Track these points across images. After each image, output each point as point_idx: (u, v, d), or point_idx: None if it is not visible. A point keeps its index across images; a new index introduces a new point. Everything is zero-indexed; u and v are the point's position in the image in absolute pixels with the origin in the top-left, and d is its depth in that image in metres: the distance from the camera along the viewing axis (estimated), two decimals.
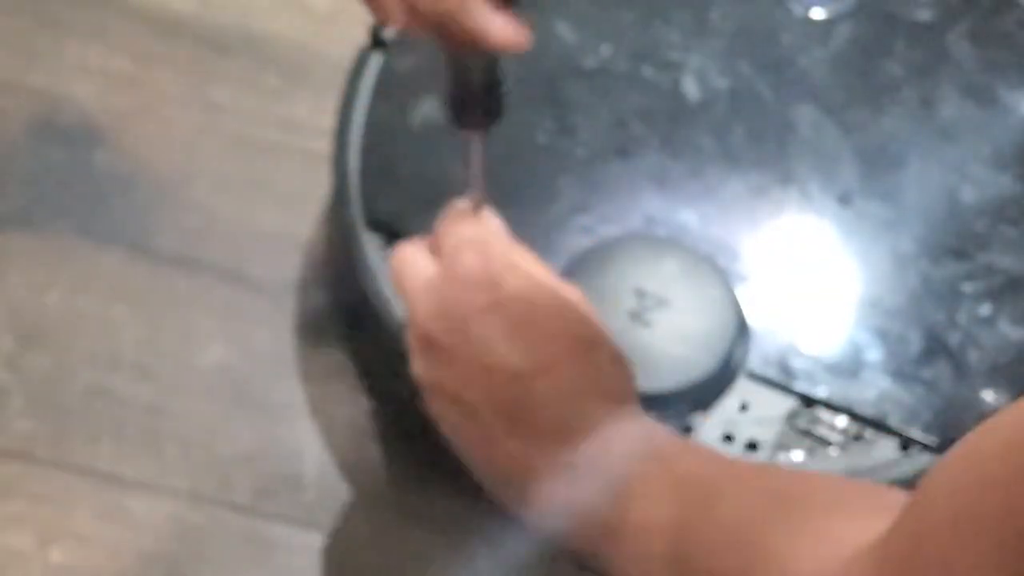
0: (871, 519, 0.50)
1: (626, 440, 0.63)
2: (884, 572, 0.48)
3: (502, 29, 0.61)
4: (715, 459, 0.64)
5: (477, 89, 0.64)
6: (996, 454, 0.41)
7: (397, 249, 0.68)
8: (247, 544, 0.78)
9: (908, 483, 0.73)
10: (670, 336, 0.74)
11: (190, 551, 0.78)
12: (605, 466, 0.63)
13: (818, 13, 0.86)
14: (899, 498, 0.54)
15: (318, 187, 0.86)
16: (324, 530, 0.79)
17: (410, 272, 0.67)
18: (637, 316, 0.75)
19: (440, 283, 0.65)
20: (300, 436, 0.82)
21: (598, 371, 0.64)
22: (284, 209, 0.88)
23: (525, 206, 0.79)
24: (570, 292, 0.67)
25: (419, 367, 0.65)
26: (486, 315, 0.63)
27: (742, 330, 0.76)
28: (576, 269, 0.76)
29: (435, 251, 0.67)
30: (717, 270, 0.77)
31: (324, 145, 0.83)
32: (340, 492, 0.80)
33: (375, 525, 0.79)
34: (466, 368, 0.63)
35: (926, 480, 0.47)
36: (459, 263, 0.65)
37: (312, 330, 0.85)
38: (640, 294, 0.75)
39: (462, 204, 0.69)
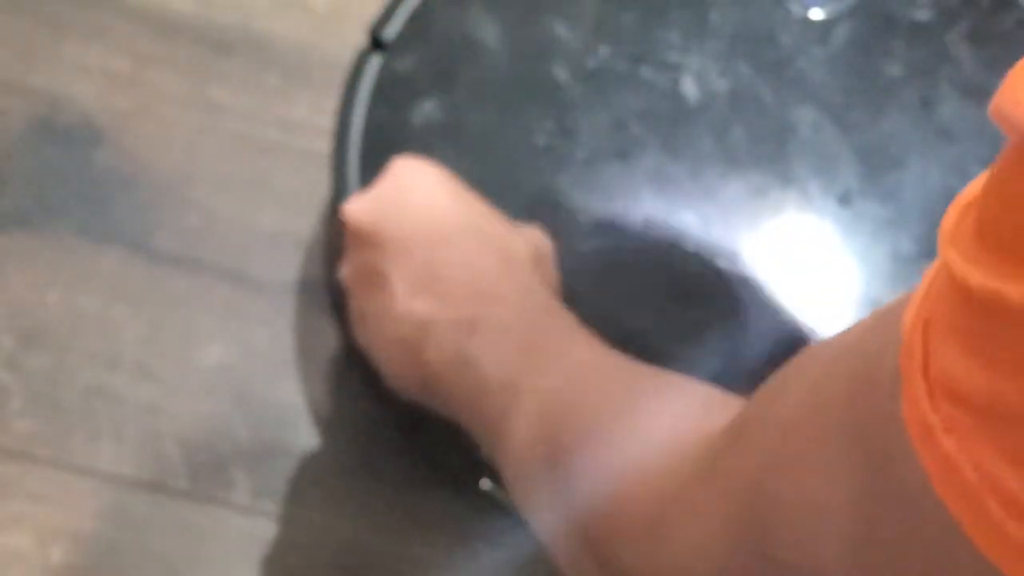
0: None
1: (516, 304, 0.69)
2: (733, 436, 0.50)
3: None
4: (595, 349, 0.67)
5: None
6: (844, 342, 0.44)
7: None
8: (247, 544, 0.78)
9: None
10: (673, 335, 0.74)
11: (190, 551, 0.78)
12: (496, 323, 0.68)
13: (817, 13, 0.86)
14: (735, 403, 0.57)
15: (318, 187, 0.86)
16: (324, 530, 0.79)
17: (355, 200, 0.74)
18: (640, 316, 0.75)
19: (373, 190, 0.73)
20: (300, 436, 0.82)
21: (495, 240, 0.72)
22: (284, 209, 0.88)
23: (525, 207, 0.79)
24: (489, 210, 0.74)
25: (347, 268, 0.73)
26: (404, 195, 0.72)
27: (743, 328, 0.76)
28: (577, 272, 0.76)
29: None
30: (718, 270, 0.77)
31: (324, 145, 0.83)
32: (340, 492, 0.80)
33: (375, 525, 0.79)
34: (382, 241, 0.71)
35: (779, 371, 0.49)
36: (391, 174, 0.73)
37: (312, 330, 0.85)
38: (642, 294, 0.75)
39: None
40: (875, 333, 0.41)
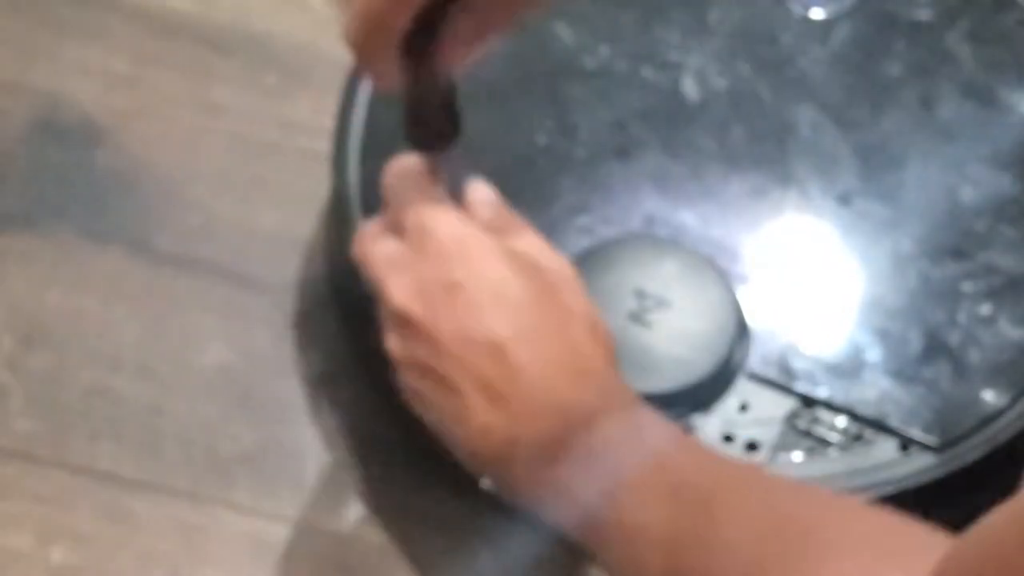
0: (895, 566, 0.48)
1: (614, 425, 0.63)
2: None
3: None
4: (713, 462, 0.62)
5: (435, 114, 0.65)
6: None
7: (359, 232, 0.68)
8: (247, 544, 0.78)
9: (907, 483, 0.73)
10: (670, 336, 0.74)
11: (190, 551, 0.78)
12: (590, 449, 0.62)
13: (818, 13, 0.86)
14: (927, 540, 0.52)
15: (318, 187, 0.86)
16: (324, 530, 0.79)
17: (377, 253, 0.66)
18: (637, 317, 0.75)
19: (411, 260, 0.65)
20: (300, 436, 0.82)
21: (575, 344, 0.64)
22: (284, 209, 0.88)
23: (525, 207, 0.79)
24: (550, 259, 0.66)
25: (395, 345, 0.65)
26: (460, 288, 0.63)
27: (742, 330, 0.76)
28: (577, 269, 0.76)
29: (396, 229, 0.67)
30: (717, 271, 0.77)
31: (324, 145, 0.83)
32: (340, 492, 0.80)
33: (375, 525, 0.79)
34: (442, 342, 0.63)
35: (976, 531, 0.44)
36: (428, 239, 0.65)
37: (312, 330, 0.85)
38: (640, 295, 0.75)
39: (408, 162, 0.68)
40: None
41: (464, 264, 0.64)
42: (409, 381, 0.65)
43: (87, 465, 0.80)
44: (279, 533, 0.79)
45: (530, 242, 0.67)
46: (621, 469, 0.61)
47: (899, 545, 0.54)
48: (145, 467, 0.80)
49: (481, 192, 0.69)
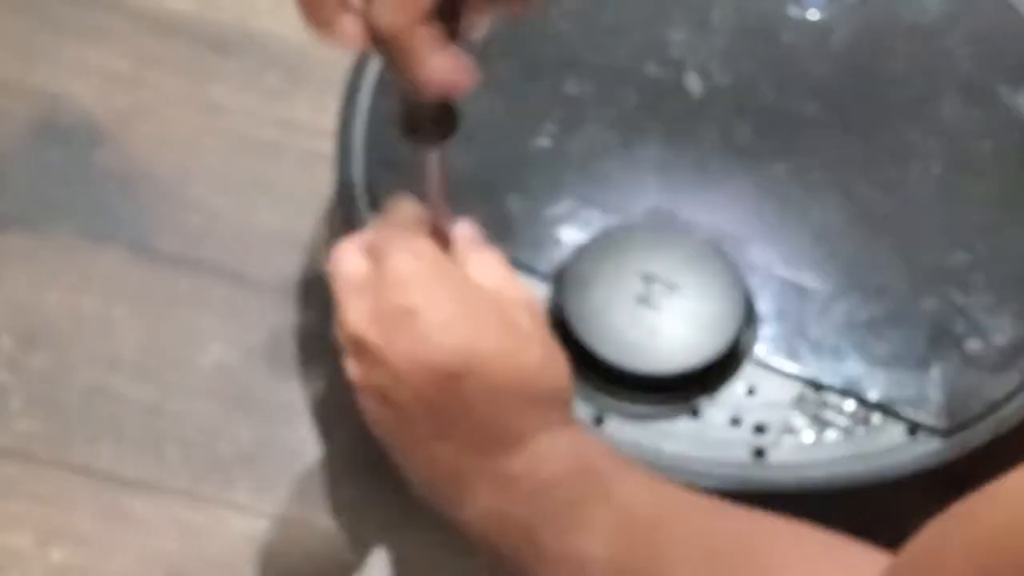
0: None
1: (558, 454, 0.63)
2: None
3: (441, 70, 0.60)
4: (657, 491, 0.63)
5: (428, 109, 0.64)
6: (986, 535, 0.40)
7: (338, 245, 0.68)
8: (247, 544, 0.78)
9: (914, 467, 0.73)
10: (678, 319, 0.75)
11: (190, 551, 0.78)
12: (537, 480, 0.62)
13: (817, 13, 0.86)
14: (866, 559, 0.53)
15: (318, 187, 0.86)
16: (324, 530, 0.79)
17: (344, 272, 0.66)
18: (645, 300, 0.75)
19: (371, 284, 0.65)
20: (300, 436, 0.82)
21: (527, 373, 0.64)
22: (284, 209, 0.88)
23: (530, 200, 0.80)
24: (511, 287, 0.66)
25: (351, 368, 0.65)
26: (415, 316, 0.63)
27: (749, 314, 0.76)
28: (584, 255, 0.76)
29: (372, 252, 0.67)
30: (724, 256, 0.77)
31: (324, 145, 0.83)
32: (340, 492, 0.80)
33: (376, 525, 0.79)
34: (395, 368, 0.63)
35: (910, 548, 0.45)
36: (390, 266, 0.64)
37: (312, 330, 0.85)
38: (648, 279, 0.76)
39: (404, 205, 0.68)
40: None
41: (421, 291, 0.63)
42: (367, 405, 0.65)
43: (87, 465, 0.80)
44: (279, 533, 0.79)
45: (492, 270, 0.67)
46: (567, 501, 0.62)
47: (840, 564, 0.55)
48: (145, 467, 0.80)
49: (464, 229, 0.70)
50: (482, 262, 0.67)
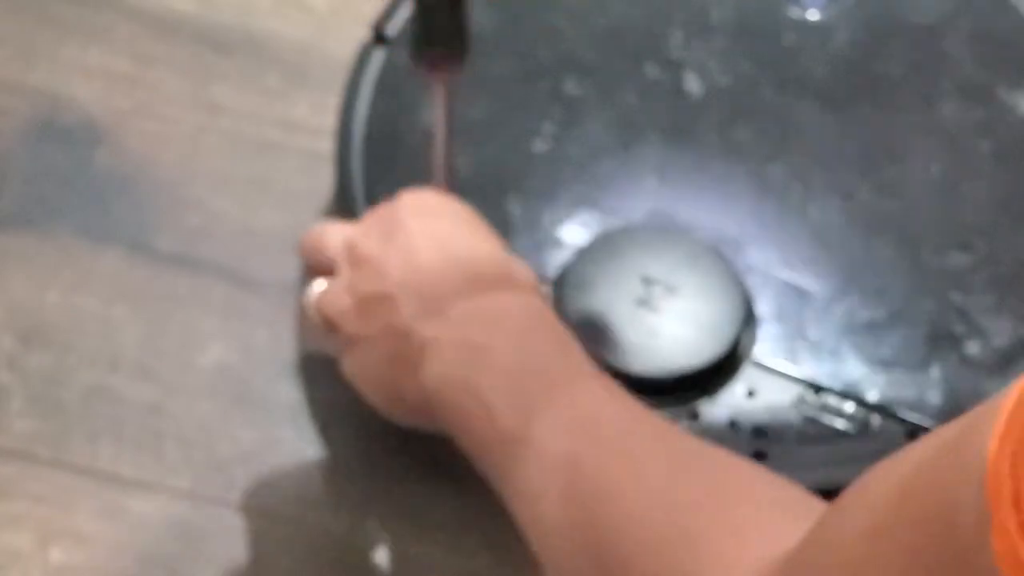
0: (791, 525, 0.50)
1: (529, 330, 0.67)
2: None
3: None
4: (624, 398, 0.64)
5: (441, 24, 0.65)
6: (912, 471, 0.42)
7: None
8: (247, 544, 0.78)
9: None
10: (677, 321, 0.75)
11: (190, 551, 0.78)
12: (508, 357, 0.66)
13: (819, 10, 0.86)
14: (815, 506, 0.54)
15: (318, 187, 0.86)
16: (324, 530, 0.79)
17: (333, 228, 0.75)
18: (645, 302, 0.75)
19: (373, 214, 0.73)
20: (300, 436, 0.82)
21: (506, 268, 0.70)
22: (284, 209, 0.88)
23: (530, 202, 0.80)
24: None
25: (334, 289, 0.72)
26: (415, 219, 0.71)
27: (749, 316, 0.76)
28: (584, 257, 0.76)
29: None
30: (723, 259, 0.77)
31: (324, 145, 0.83)
32: (340, 492, 0.80)
33: (375, 525, 0.79)
34: (389, 268, 0.69)
35: (843, 494, 0.47)
36: (391, 202, 0.72)
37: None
38: (648, 281, 0.76)
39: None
40: (945, 465, 0.40)
41: (422, 209, 0.72)
42: (343, 326, 0.71)
43: (87, 465, 0.80)
44: (279, 533, 0.79)
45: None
46: (533, 387, 0.64)
47: (791, 500, 0.56)
48: (145, 467, 0.80)
49: None
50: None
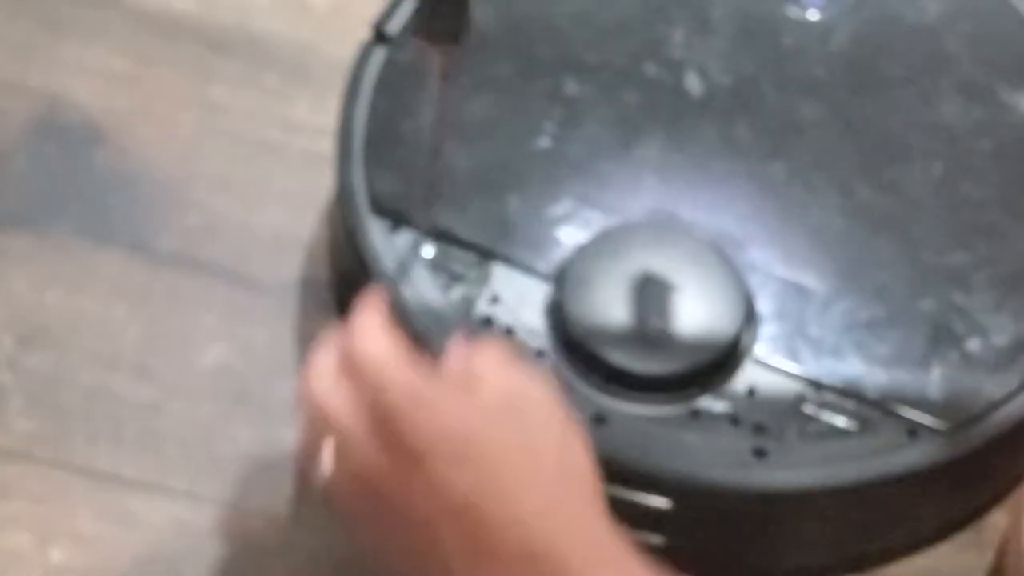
0: None
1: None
2: None
3: None
4: None
5: (447, 4, 0.65)
6: None
7: (307, 367, 0.65)
8: (247, 544, 0.78)
9: (914, 468, 0.73)
10: (678, 319, 0.75)
11: (190, 551, 0.78)
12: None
13: (819, 10, 0.86)
14: None
15: (318, 187, 0.86)
16: (325, 531, 0.79)
17: (334, 406, 0.64)
18: (645, 301, 0.75)
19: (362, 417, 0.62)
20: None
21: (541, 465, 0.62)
22: (284, 209, 0.88)
23: (530, 200, 0.80)
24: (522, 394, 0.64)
25: (340, 469, 0.63)
26: (422, 460, 0.60)
27: (749, 314, 0.76)
28: (584, 256, 0.76)
29: (349, 373, 0.64)
30: (724, 256, 0.77)
31: (324, 145, 0.83)
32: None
33: None
34: (404, 465, 0.61)
35: None
36: (383, 403, 0.62)
37: (312, 330, 0.84)
38: (648, 280, 0.76)
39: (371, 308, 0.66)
40: None
41: (424, 433, 0.61)
42: (361, 526, 0.64)
43: (87, 465, 0.80)
44: (279, 533, 0.79)
45: (495, 366, 0.64)
46: None
47: None
48: (145, 467, 0.80)
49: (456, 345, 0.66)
50: (484, 361, 0.64)
